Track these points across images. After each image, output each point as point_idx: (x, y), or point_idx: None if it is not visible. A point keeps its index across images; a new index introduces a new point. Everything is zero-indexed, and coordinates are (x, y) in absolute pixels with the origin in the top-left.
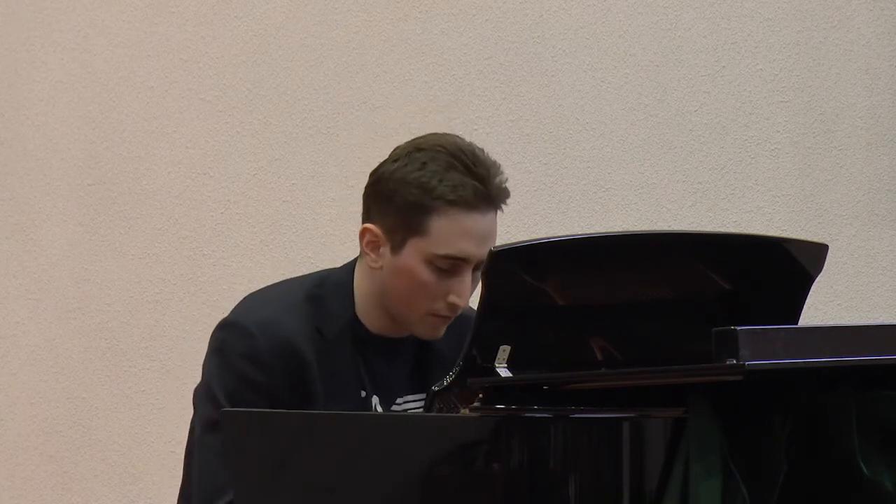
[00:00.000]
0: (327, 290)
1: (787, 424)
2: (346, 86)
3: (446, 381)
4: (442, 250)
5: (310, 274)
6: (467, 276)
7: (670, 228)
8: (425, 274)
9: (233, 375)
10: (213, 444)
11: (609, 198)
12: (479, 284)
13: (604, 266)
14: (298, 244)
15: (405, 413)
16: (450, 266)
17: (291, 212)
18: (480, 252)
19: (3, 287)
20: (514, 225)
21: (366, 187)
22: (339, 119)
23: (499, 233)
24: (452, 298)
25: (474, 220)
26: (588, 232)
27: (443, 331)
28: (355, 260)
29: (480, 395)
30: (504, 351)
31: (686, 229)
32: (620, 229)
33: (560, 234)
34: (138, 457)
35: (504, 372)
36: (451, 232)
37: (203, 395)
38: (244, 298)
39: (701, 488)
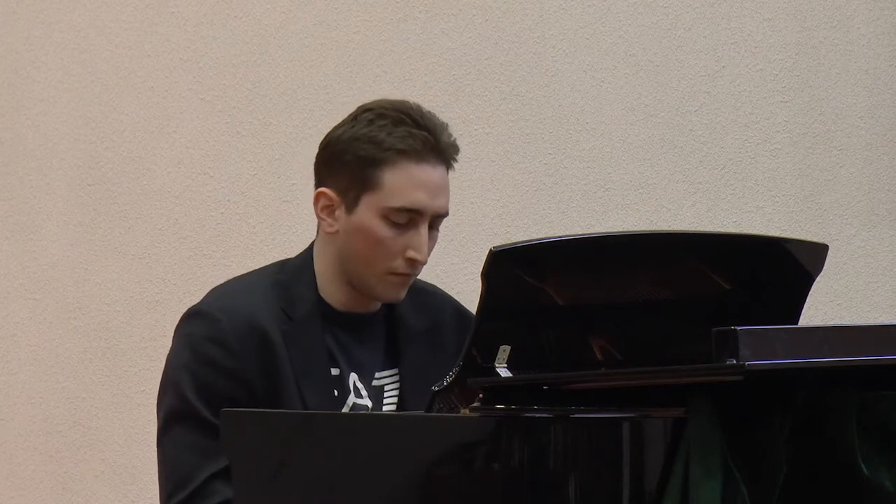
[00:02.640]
0: (289, 273)
1: (787, 424)
2: (346, 86)
3: (446, 381)
4: (396, 202)
5: (269, 264)
6: (423, 230)
7: (670, 228)
8: (381, 229)
9: (200, 361)
10: (176, 436)
11: (609, 198)
12: (480, 284)
13: (604, 266)
14: (298, 244)
15: (405, 413)
16: (405, 219)
17: (291, 212)
18: (434, 204)
19: (3, 287)
20: (514, 225)
21: (316, 156)
22: (339, 119)
23: (499, 232)
24: (410, 253)
25: (425, 171)
26: (588, 232)
27: (404, 292)
28: (311, 245)
29: (480, 395)
30: (504, 351)
31: (686, 229)
32: (620, 229)
33: (560, 234)
34: (138, 457)
35: (504, 372)
36: (404, 183)
37: (167, 386)
38: (209, 291)
39: (701, 488)
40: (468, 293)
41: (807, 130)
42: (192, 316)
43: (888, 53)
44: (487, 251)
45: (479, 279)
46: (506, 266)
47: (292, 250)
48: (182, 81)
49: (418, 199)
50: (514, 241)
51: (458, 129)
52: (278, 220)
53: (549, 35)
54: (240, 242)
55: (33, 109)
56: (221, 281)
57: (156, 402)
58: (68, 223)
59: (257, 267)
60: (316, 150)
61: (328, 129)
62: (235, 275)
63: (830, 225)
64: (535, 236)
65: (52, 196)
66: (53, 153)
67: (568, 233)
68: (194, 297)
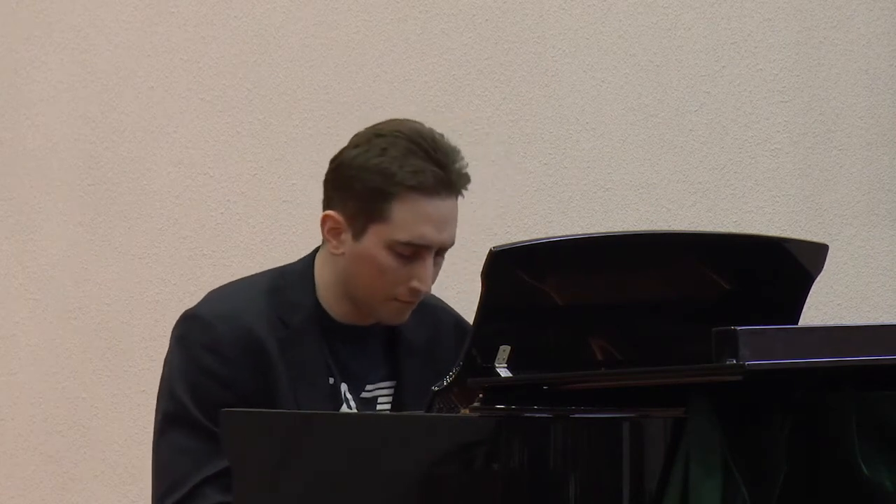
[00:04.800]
0: (288, 280)
1: (787, 424)
2: (346, 86)
3: (446, 381)
4: (403, 236)
5: (270, 269)
6: (429, 261)
7: (670, 228)
8: (387, 260)
9: (194, 367)
10: (170, 439)
11: (609, 198)
12: (480, 284)
13: (604, 266)
14: (298, 244)
15: (405, 413)
16: (411, 252)
17: (291, 212)
18: (440, 237)
19: (3, 287)
20: (514, 225)
21: (326, 174)
22: (339, 119)
23: (499, 232)
24: (414, 283)
25: (434, 206)
26: (588, 232)
27: (407, 315)
28: (315, 251)
29: (480, 395)
30: (504, 351)
31: (686, 229)
32: (620, 229)
33: (560, 234)
34: (138, 457)
35: (504, 372)
36: (412, 218)
37: (163, 389)
38: (206, 294)
39: (701, 488)
40: (468, 293)
41: (807, 130)
42: (188, 319)
43: (888, 53)
44: (487, 251)
45: (479, 279)
46: (506, 266)
47: (292, 250)
48: (182, 81)
49: (425, 233)
50: (514, 241)
51: (458, 129)
52: (278, 220)
53: (549, 35)
54: (240, 242)
55: (33, 109)
56: (222, 281)
57: (156, 401)
58: (68, 223)
59: (257, 267)
60: (315, 150)
61: (328, 129)
62: (235, 275)
63: (830, 225)
64: (535, 236)
65: (52, 196)
66: (53, 153)
67: (568, 233)
68: (194, 297)
